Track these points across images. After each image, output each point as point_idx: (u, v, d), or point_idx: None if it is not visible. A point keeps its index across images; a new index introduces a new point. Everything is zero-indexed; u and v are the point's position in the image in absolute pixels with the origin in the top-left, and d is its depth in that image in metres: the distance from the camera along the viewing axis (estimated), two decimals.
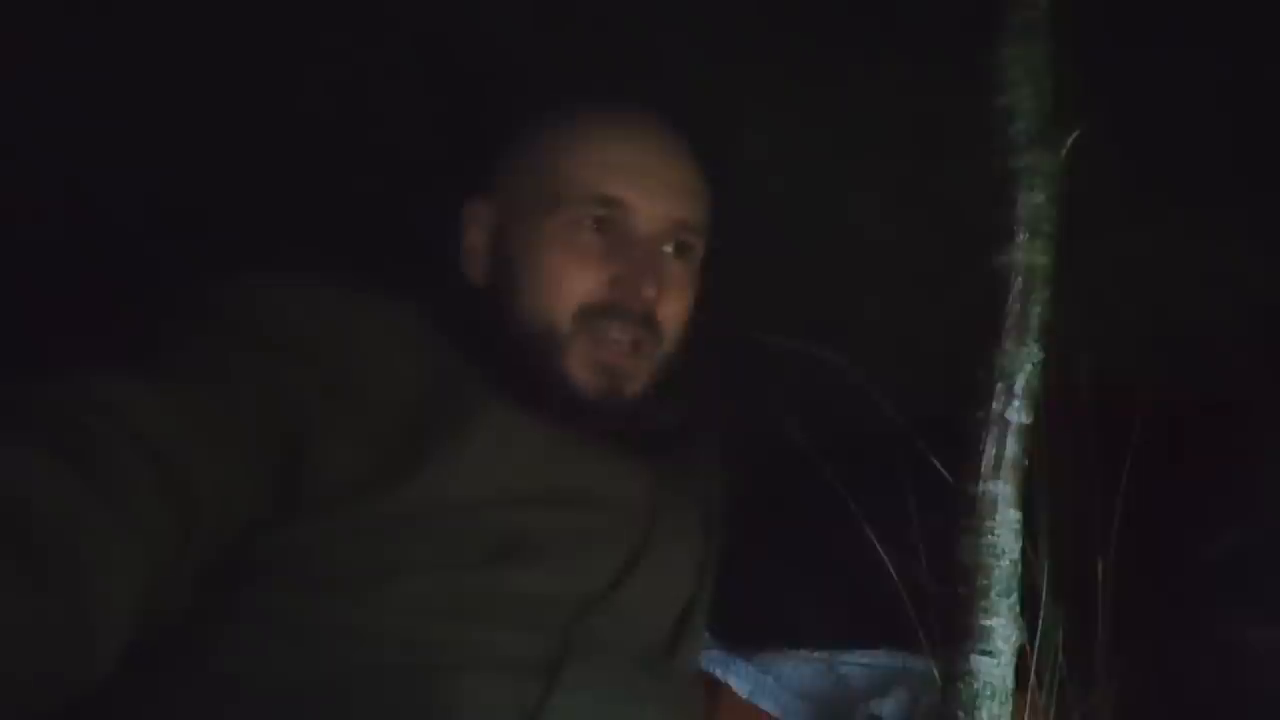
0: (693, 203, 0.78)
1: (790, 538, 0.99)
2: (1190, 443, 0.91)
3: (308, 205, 0.94)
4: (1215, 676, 0.88)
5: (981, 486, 0.57)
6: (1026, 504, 0.58)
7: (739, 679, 0.89)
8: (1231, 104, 0.79)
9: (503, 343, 0.75)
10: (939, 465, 0.65)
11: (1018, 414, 0.57)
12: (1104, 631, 0.77)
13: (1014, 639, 0.56)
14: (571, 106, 0.78)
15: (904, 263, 0.95)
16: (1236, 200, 0.86)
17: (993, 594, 0.56)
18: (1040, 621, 0.70)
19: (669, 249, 0.76)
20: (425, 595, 0.64)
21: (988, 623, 0.55)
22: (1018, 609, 0.56)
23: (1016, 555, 0.57)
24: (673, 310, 0.76)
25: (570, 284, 0.73)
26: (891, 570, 0.75)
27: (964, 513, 0.57)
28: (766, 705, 0.88)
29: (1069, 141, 0.58)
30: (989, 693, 0.54)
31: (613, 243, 0.74)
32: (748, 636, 0.95)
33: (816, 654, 0.91)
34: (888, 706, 0.85)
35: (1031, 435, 0.58)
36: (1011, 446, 0.57)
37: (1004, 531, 0.56)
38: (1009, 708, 0.55)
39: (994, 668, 0.55)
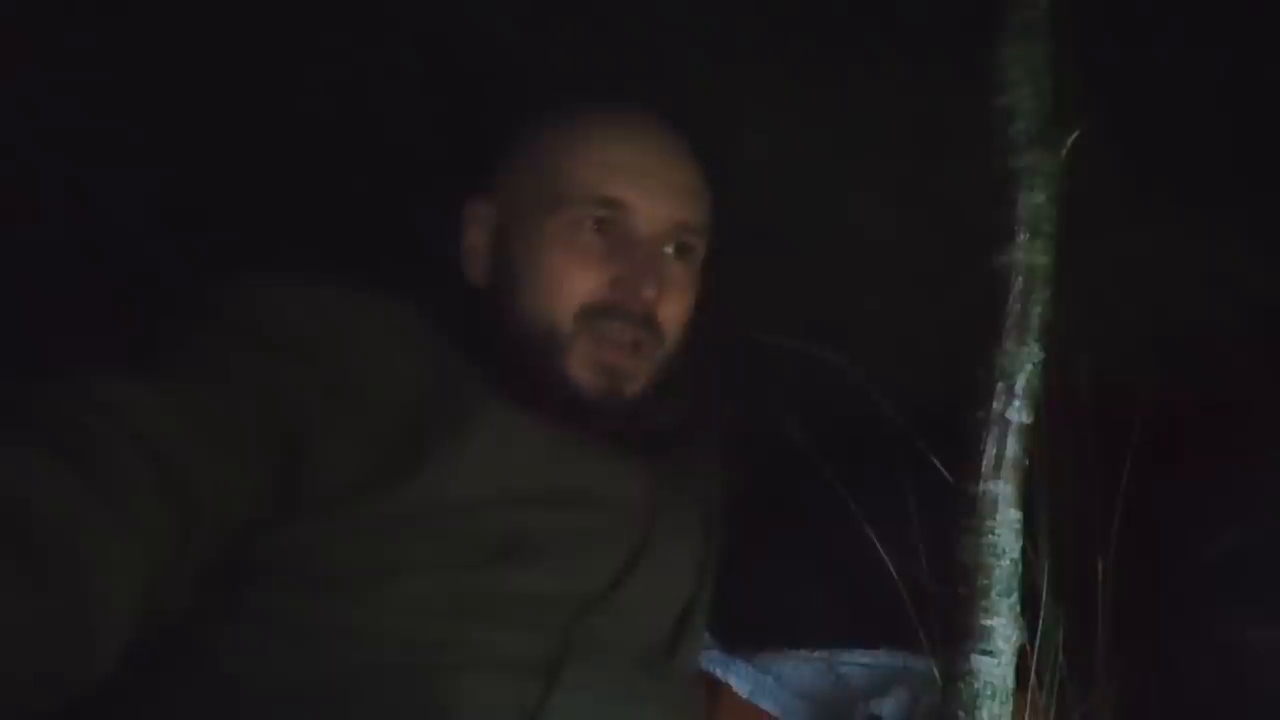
0: (693, 204, 0.78)
1: (790, 538, 0.99)
2: (1190, 443, 0.91)
3: (308, 205, 0.94)
4: (1215, 676, 0.88)
5: (982, 486, 0.57)
6: (1027, 504, 0.58)
7: (739, 679, 0.89)
8: (1231, 104, 0.79)
9: (503, 343, 0.75)
10: (939, 465, 0.65)
11: (1018, 414, 0.57)
12: (1104, 631, 0.77)
13: (1014, 639, 0.56)
14: (572, 107, 0.78)
15: (904, 263, 0.95)
16: (1236, 200, 0.86)
17: (993, 594, 0.56)
18: (1040, 621, 0.71)
19: (669, 250, 0.76)
20: (425, 595, 0.64)
21: (988, 622, 0.55)
22: (1018, 609, 0.56)
23: (1017, 555, 0.57)
24: (673, 311, 0.76)
25: (571, 284, 0.73)
26: (892, 570, 0.75)
27: (964, 512, 0.57)
28: (766, 705, 0.88)
29: (1069, 141, 0.58)
30: (989, 692, 0.55)
31: (613, 243, 0.74)
32: (748, 636, 0.95)
33: (816, 654, 0.91)
34: (888, 706, 0.85)
35: (1032, 435, 0.58)
36: (1012, 446, 0.57)
37: (1004, 531, 0.56)
38: (1009, 707, 0.55)
39: (994, 667, 0.55)
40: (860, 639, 0.92)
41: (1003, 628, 0.55)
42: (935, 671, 0.60)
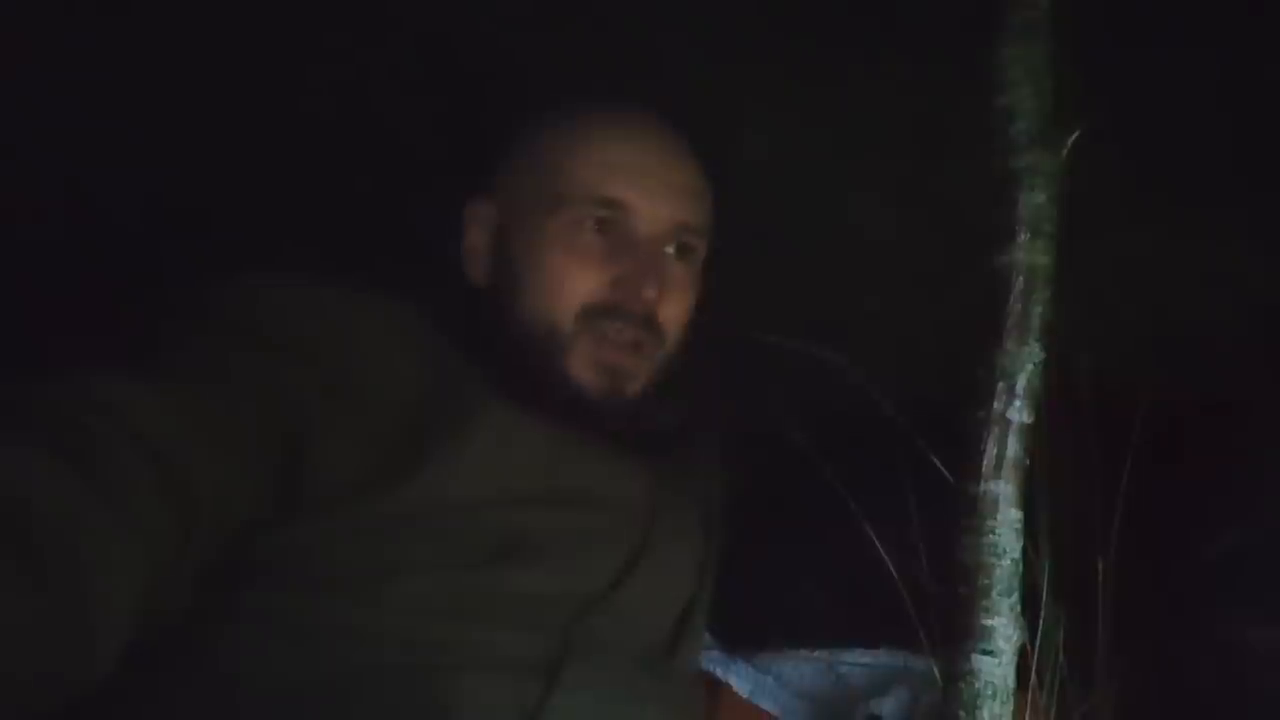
0: (694, 204, 0.78)
1: (790, 538, 0.99)
2: (1190, 443, 0.91)
3: (309, 205, 0.94)
4: (1215, 676, 0.88)
5: (983, 486, 0.57)
6: (1027, 504, 0.58)
7: (739, 679, 0.89)
8: (1231, 104, 0.79)
9: (504, 343, 0.74)
10: (939, 465, 0.65)
11: (1019, 414, 0.57)
12: (1104, 631, 0.77)
13: (1015, 638, 0.56)
14: (572, 107, 0.78)
15: (904, 263, 0.95)
16: (1236, 200, 0.86)
17: (994, 593, 0.56)
18: (1041, 621, 0.71)
19: (670, 250, 0.76)
20: (425, 595, 0.64)
21: (989, 622, 0.55)
22: (1019, 609, 0.56)
23: (1018, 555, 0.57)
24: (674, 312, 0.76)
25: (572, 285, 0.73)
26: (892, 570, 0.75)
27: (965, 512, 0.57)
28: (766, 705, 0.88)
29: (1070, 142, 0.58)
30: (990, 692, 0.55)
31: (614, 244, 0.74)
32: (748, 636, 0.95)
33: (816, 654, 0.91)
34: (888, 706, 0.85)
35: (1033, 435, 0.58)
36: (1013, 446, 0.57)
37: (1005, 531, 0.56)
38: (1010, 707, 0.55)
39: (995, 667, 0.55)
40: (860, 639, 0.92)
41: (1003, 627, 0.55)
42: (936, 671, 0.60)
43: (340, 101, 0.88)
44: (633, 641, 0.72)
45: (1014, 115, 0.59)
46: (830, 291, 0.98)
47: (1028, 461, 0.58)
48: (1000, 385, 0.57)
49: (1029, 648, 0.69)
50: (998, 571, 0.56)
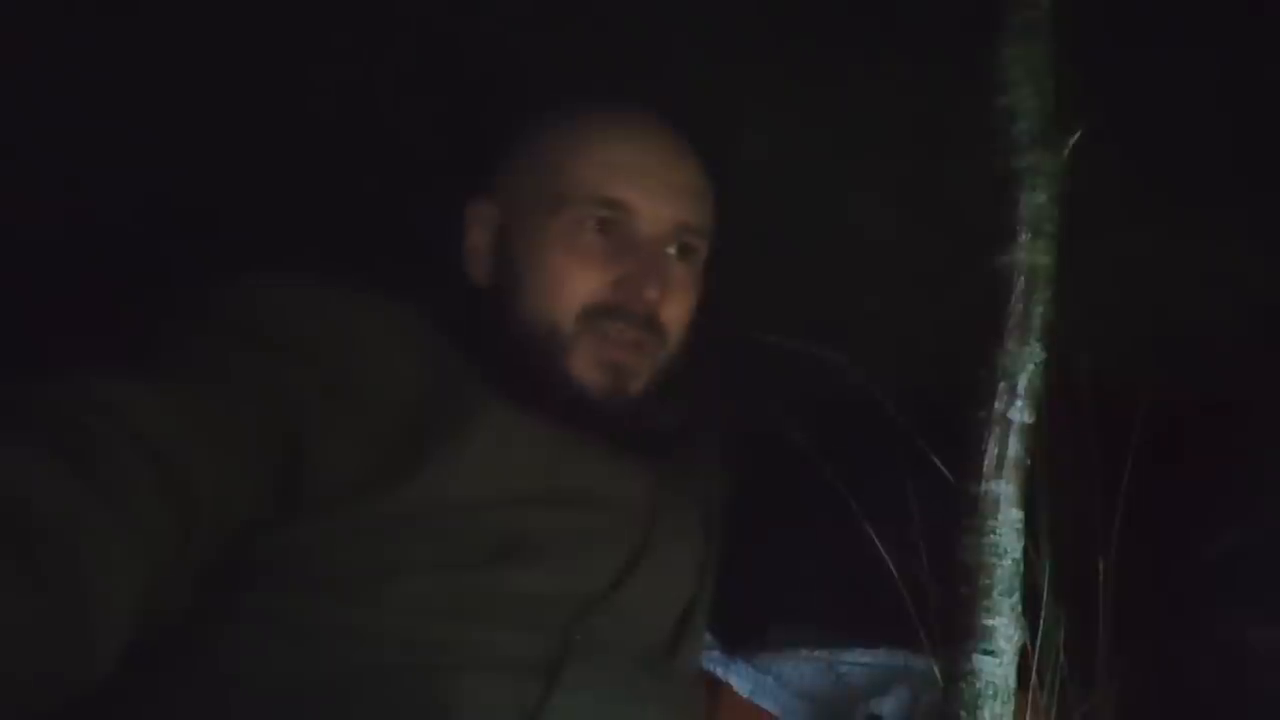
0: (696, 204, 0.78)
1: (791, 537, 0.99)
2: (1190, 443, 0.91)
3: (311, 205, 0.93)
4: (1215, 676, 0.88)
5: (984, 486, 0.57)
6: (1028, 504, 0.58)
7: (739, 678, 0.89)
8: (1231, 104, 0.79)
9: (505, 342, 0.74)
10: (940, 465, 0.65)
11: (1020, 414, 0.57)
12: (1105, 631, 0.77)
13: (1016, 638, 0.56)
14: (574, 107, 0.78)
15: (905, 263, 0.95)
16: (1236, 200, 0.86)
17: (995, 593, 0.55)
18: (1042, 621, 0.71)
19: (672, 250, 0.76)
20: (425, 595, 0.64)
21: (990, 622, 0.55)
22: (1019, 608, 0.56)
23: (1019, 555, 0.57)
24: (675, 312, 0.76)
25: (573, 285, 0.73)
26: (893, 569, 0.75)
27: (966, 512, 0.57)
28: (767, 704, 0.88)
29: (1071, 142, 0.58)
30: (991, 692, 0.54)
31: (616, 244, 0.74)
32: (748, 636, 0.95)
33: (816, 654, 0.91)
34: (888, 705, 0.85)
35: (1034, 435, 0.58)
36: (1014, 446, 0.57)
37: (1006, 531, 0.56)
38: (1011, 707, 0.55)
39: (996, 667, 0.55)
40: (860, 639, 0.91)
41: (1004, 627, 0.55)
42: (936, 671, 0.60)
43: (342, 102, 0.88)
44: (633, 641, 0.71)
45: (1015, 115, 0.59)
46: (830, 291, 0.98)
47: (1029, 461, 0.58)
48: (1001, 385, 0.57)
49: (1029, 648, 0.69)
50: (999, 571, 0.56)
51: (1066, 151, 0.58)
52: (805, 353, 0.81)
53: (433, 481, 0.66)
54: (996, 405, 0.57)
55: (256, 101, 0.88)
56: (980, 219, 0.60)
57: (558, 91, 0.80)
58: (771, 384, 0.92)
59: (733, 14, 0.78)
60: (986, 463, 0.57)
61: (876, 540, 0.77)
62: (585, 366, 0.74)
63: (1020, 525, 0.57)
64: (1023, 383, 0.57)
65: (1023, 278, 0.58)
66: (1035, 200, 0.58)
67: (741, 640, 0.94)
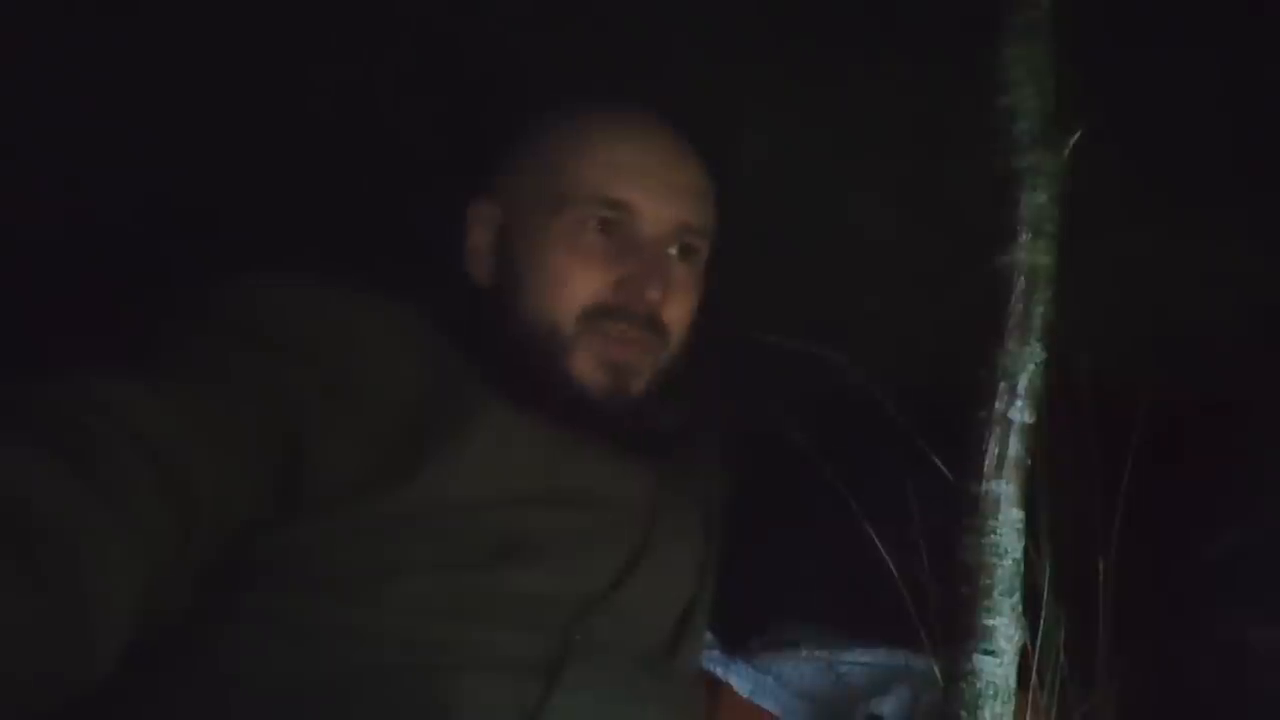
0: (698, 205, 0.78)
1: (791, 537, 0.99)
2: (1190, 443, 0.91)
3: (312, 206, 0.93)
4: (1215, 676, 0.88)
5: (984, 486, 0.56)
6: (1028, 504, 0.58)
7: (739, 678, 0.89)
8: (1231, 104, 0.79)
9: (506, 342, 0.74)
10: (940, 464, 0.65)
11: (1021, 413, 0.57)
12: (1105, 631, 0.77)
13: (1016, 638, 0.56)
14: (575, 107, 0.78)
15: (905, 263, 0.95)
16: (1236, 200, 0.86)
17: (995, 593, 0.55)
18: (1042, 621, 0.71)
19: (673, 251, 0.76)
20: (425, 595, 0.64)
21: (990, 622, 0.55)
22: (1020, 608, 0.56)
23: (1019, 555, 0.57)
24: (677, 313, 0.76)
25: (575, 285, 0.73)
26: (893, 569, 0.75)
27: (966, 512, 0.57)
28: (767, 704, 0.88)
29: (1071, 142, 0.58)
30: (992, 692, 0.54)
31: (618, 245, 0.74)
32: (748, 636, 0.95)
33: (817, 654, 0.91)
34: (888, 705, 0.85)
35: (1034, 435, 0.58)
36: (1014, 446, 0.57)
37: (1006, 531, 0.56)
38: (1011, 707, 0.55)
39: (997, 667, 0.55)
40: (861, 638, 0.91)
41: (1005, 627, 0.55)
42: (936, 671, 0.60)
43: (343, 102, 0.88)
44: (633, 642, 0.72)
45: (1016, 115, 0.59)
46: (830, 291, 0.98)
47: (1029, 461, 0.57)
48: (1002, 385, 0.57)
49: (1030, 648, 0.69)
50: (999, 571, 0.56)
51: (1067, 151, 0.58)
52: (805, 353, 0.81)
53: (433, 481, 0.66)
54: (997, 405, 0.57)
55: (257, 101, 0.87)
56: (980, 219, 0.60)
57: (558, 91, 0.80)
58: (771, 384, 0.92)
59: (733, 14, 0.78)
60: (987, 462, 0.57)
61: (877, 540, 0.77)
62: (586, 366, 0.74)
63: (1021, 525, 0.57)
64: (1023, 383, 0.57)
65: (1023, 278, 0.58)
66: (1036, 200, 0.58)
67: (741, 640, 0.94)
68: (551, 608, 0.68)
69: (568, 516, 0.71)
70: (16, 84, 0.82)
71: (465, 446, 0.68)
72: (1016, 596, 0.56)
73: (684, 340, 0.78)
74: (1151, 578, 0.84)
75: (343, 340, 0.68)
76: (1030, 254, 0.58)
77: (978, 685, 0.55)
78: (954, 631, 0.56)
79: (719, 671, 0.89)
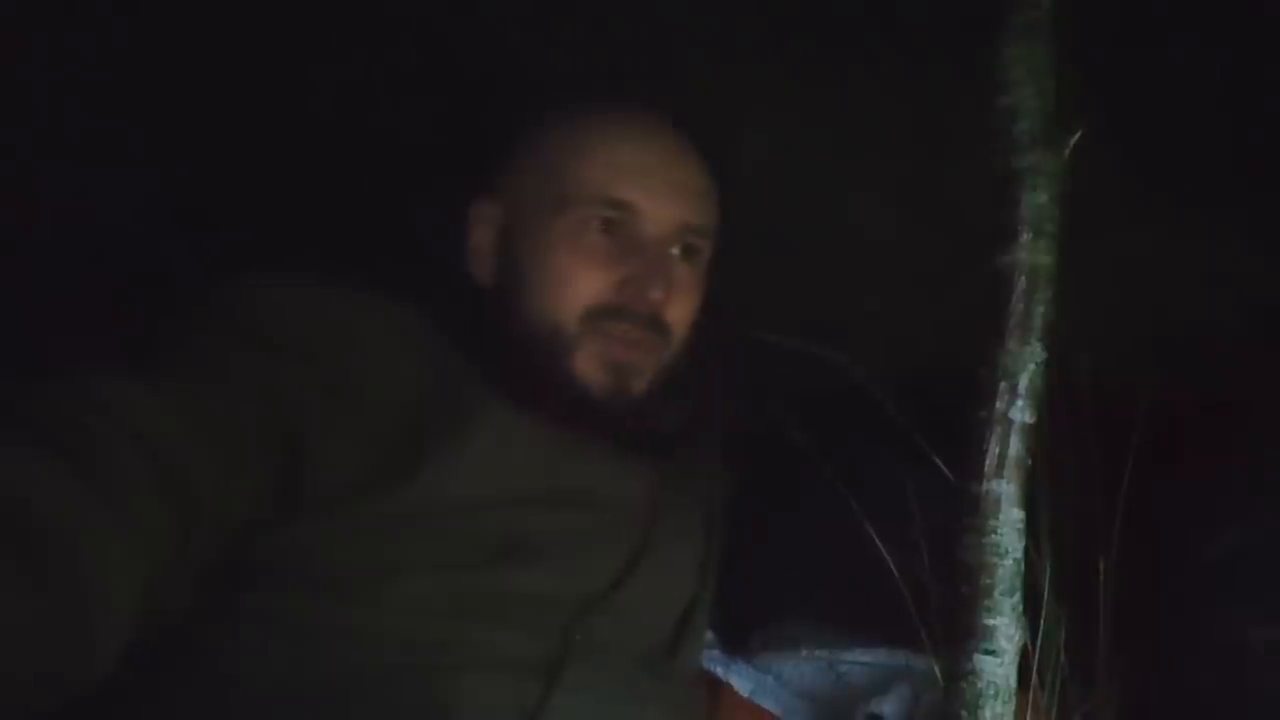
0: (700, 205, 0.78)
1: (792, 537, 0.99)
2: (1190, 443, 0.91)
3: (313, 206, 0.93)
4: (1216, 676, 0.88)
5: (985, 485, 0.56)
6: (1029, 503, 0.58)
7: (740, 678, 0.89)
8: (1232, 104, 0.79)
9: (508, 342, 0.74)
10: (940, 464, 0.65)
11: (1021, 413, 0.57)
12: (1105, 631, 0.77)
13: (1017, 638, 0.56)
14: (577, 107, 0.78)
15: (905, 262, 0.95)
16: (1236, 200, 0.86)
17: (996, 593, 0.55)
18: (1042, 621, 0.71)
19: (676, 251, 0.76)
20: (425, 595, 0.64)
21: (991, 622, 0.55)
22: (1020, 608, 0.56)
23: (1020, 554, 0.57)
24: (679, 313, 0.76)
25: (577, 285, 0.73)
26: (893, 569, 0.75)
27: (967, 512, 0.57)
28: (768, 704, 0.88)
29: (1071, 141, 0.58)
30: (992, 692, 0.54)
31: (620, 245, 0.74)
32: (748, 636, 0.95)
33: (817, 653, 0.91)
34: (889, 705, 0.85)
35: (1034, 435, 0.58)
36: (1015, 446, 0.57)
37: (1007, 530, 0.56)
38: (1012, 707, 0.55)
39: (997, 667, 0.55)
40: (861, 638, 0.91)
41: (1005, 627, 0.55)
42: (937, 671, 0.60)
43: (344, 101, 0.88)
44: (633, 642, 0.72)
45: (1016, 115, 0.59)
46: (830, 291, 0.98)
47: (1030, 461, 0.57)
48: (1002, 385, 0.57)
49: (1030, 647, 0.69)
50: (1000, 571, 0.56)
51: (1067, 151, 0.58)
52: (805, 352, 0.81)
53: (433, 481, 0.66)
54: (998, 405, 0.57)
55: (257, 101, 0.87)
56: (980, 219, 0.60)
57: (558, 91, 0.80)
58: (772, 383, 0.92)
59: (733, 14, 0.78)
60: (988, 462, 0.57)
61: (877, 540, 0.77)
62: (589, 366, 0.74)
63: (1021, 525, 0.57)
64: (1024, 382, 0.57)
65: (1024, 277, 0.58)
66: (1036, 200, 0.58)
67: (742, 640, 0.94)
68: (552, 608, 0.68)
69: (568, 516, 0.71)
70: (16, 84, 0.82)
71: (465, 446, 0.68)
72: (1017, 596, 0.56)
73: (686, 340, 0.78)
74: (1151, 578, 0.84)
75: (343, 340, 0.68)
76: (1031, 254, 0.58)
77: (978, 685, 0.55)
78: (954, 631, 0.56)
79: (719, 671, 0.89)
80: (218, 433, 0.59)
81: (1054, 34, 0.59)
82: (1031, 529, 0.58)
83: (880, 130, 0.85)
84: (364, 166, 0.92)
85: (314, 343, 0.67)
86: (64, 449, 0.51)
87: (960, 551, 0.57)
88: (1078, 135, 0.58)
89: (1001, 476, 0.56)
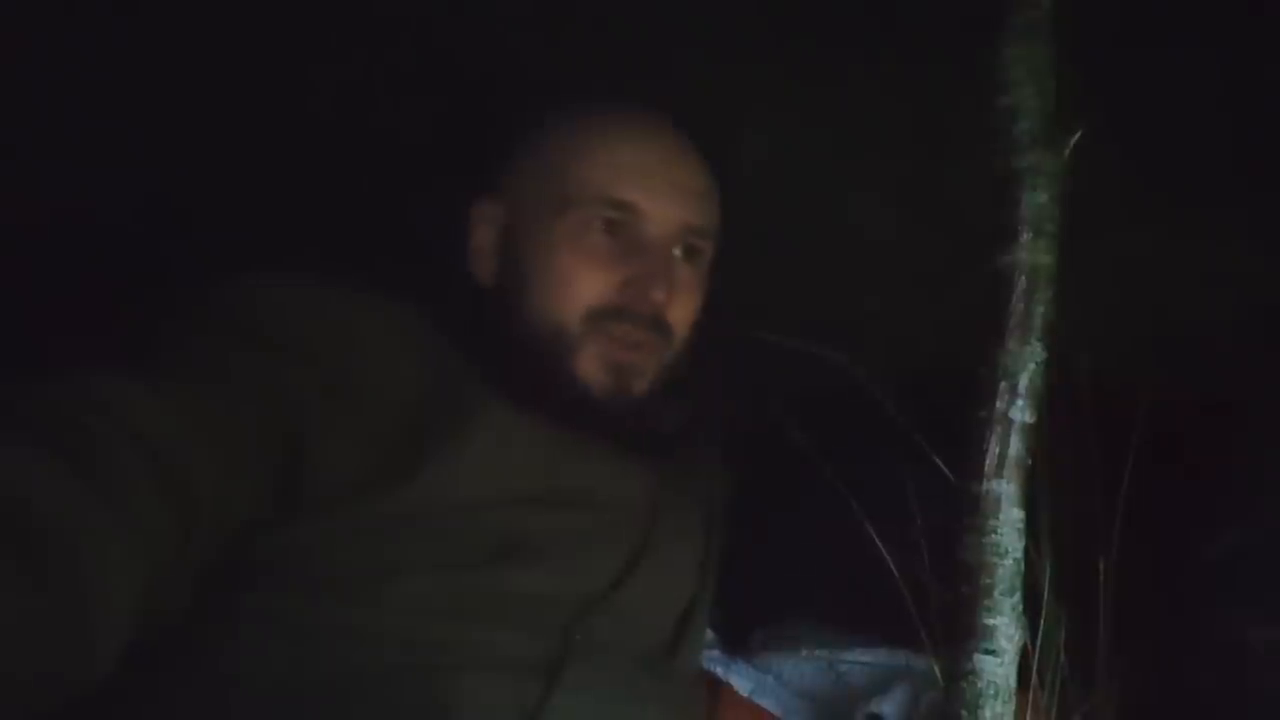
0: (702, 206, 0.78)
1: (791, 537, 0.99)
2: (1190, 443, 0.91)
3: (314, 206, 0.93)
4: (1215, 676, 0.88)
5: (985, 485, 0.56)
6: (1028, 503, 0.58)
7: (740, 678, 0.89)
8: (1231, 104, 0.79)
9: (510, 343, 0.74)
10: (940, 464, 0.65)
11: (1021, 413, 0.57)
12: (1105, 631, 0.77)
13: (1017, 638, 0.56)
14: (579, 108, 0.78)
15: (905, 262, 0.95)
16: (1236, 200, 0.86)
17: (996, 593, 0.55)
18: (1042, 621, 0.71)
19: (678, 252, 0.76)
20: (425, 595, 0.64)
21: (991, 622, 0.55)
22: (1020, 608, 0.56)
23: (1020, 554, 0.57)
24: (681, 314, 0.77)
25: (579, 286, 0.73)
26: (893, 569, 0.75)
27: (967, 512, 0.57)
28: (768, 704, 0.88)
29: (1071, 141, 0.58)
30: (992, 692, 0.54)
31: (622, 245, 0.74)
32: (748, 636, 0.95)
33: (817, 653, 0.91)
34: (889, 705, 0.85)
35: (1034, 434, 0.58)
36: (1015, 445, 0.57)
37: (1007, 530, 0.56)
38: (1012, 707, 0.55)
39: (997, 667, 0.55)
40: (861, 638, 0.91)
41: (1005, 627, 0.55)
42: (937, 671, 0.60)
43: (344, 102, 0.88)
44: (633, 642, 0.72)
45: (1016, 115, 0.59)
46: (830, 291, 0.98)
47: (1030, 461, 0.57)
48: (1002, 385, 0.57)
49: (1030, 647, 0.69)
50: (1000, 571, 0.56)
51: (1067, 151, 0.58)
52: (805, 352, 0.81)
53: (433, 481, 0.66)
54: (998, 405, 0.57)
55: (257, 101, 0.87)
56: (980, 219, 0.60)
57: (558, 92, 0.80)
58: (772, 383, 0.92)
59: (733, 14, 0.78)
60: (988, 462, 0.57)
61: (877, 540, 0.77)
62: (591, 367, 0.74)
63: (1021, 525, 0.57)
64: (1024, 382, 0.57)
65: (1024, 277, 0.58)
66: (1036, 200, 0.58)
67: (741, 640, 0.94)
68: (551, 608, 0.68)
69: (568, 517, 0.71)
70: (16, 84, 0.82)
71: (465, 446, 0.68)
72: (1017, 596, 0.56)
73: (687, 340, 0.78)
74: (1151, 578, 0.84)
75: (343, 340, 0.68)
76: (1031, 254, 0.58)
77: (978, 685, 0.55)
78: (954, 631, 0.56)
79: (719, 671, 0.89)
80: (218, 433, 0.59)
81: (1054, 34, 0.60)
82: (1031, 529, 0.58)
83: (880, 130, 0.85)
84: (364, 167, 0.92)
85: (314, 343, 0.67)
86: (64, 449, 0.51)
87: (960, 551, 0.57)
88: (1078, 135, 0.58)
89: (1001, 476, 0.56)
